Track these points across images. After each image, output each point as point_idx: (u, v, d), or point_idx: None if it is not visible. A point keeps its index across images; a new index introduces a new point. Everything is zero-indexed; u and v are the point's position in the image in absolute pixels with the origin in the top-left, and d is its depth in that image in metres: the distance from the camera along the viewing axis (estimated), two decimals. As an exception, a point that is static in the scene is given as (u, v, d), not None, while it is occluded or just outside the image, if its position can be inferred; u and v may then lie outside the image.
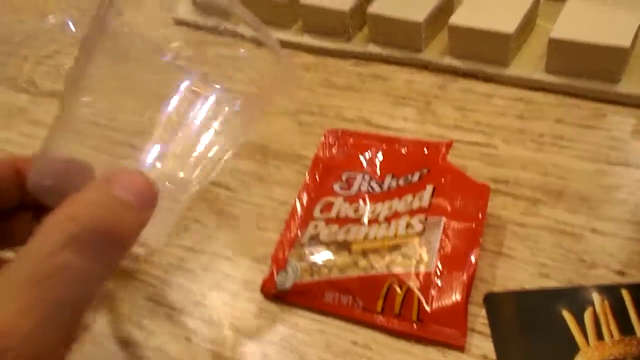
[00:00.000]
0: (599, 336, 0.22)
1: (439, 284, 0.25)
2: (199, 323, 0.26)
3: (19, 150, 0.38)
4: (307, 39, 0.42)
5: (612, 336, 0.22)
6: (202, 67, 0.29)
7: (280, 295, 0.27)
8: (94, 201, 0.18)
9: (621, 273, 0.25)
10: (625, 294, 0.24)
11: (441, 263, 0.25)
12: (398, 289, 0.25)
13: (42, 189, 0.21)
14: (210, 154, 0.25)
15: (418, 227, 0.27)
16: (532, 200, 0.28)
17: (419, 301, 0.24)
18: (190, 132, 0.24)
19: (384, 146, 0.32)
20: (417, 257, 0.26)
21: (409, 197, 0.28)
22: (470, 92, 0.36)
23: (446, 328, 0.24)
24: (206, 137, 0.25)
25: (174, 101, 0.24)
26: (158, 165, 0.23)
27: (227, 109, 0.26)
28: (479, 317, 0.24)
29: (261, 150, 0.35)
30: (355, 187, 0.30)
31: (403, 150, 0.31)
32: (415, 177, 0.29)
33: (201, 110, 0.24)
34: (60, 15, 0.43)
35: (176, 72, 0.25)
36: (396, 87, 0.37)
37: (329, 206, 0.29)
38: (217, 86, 0.26)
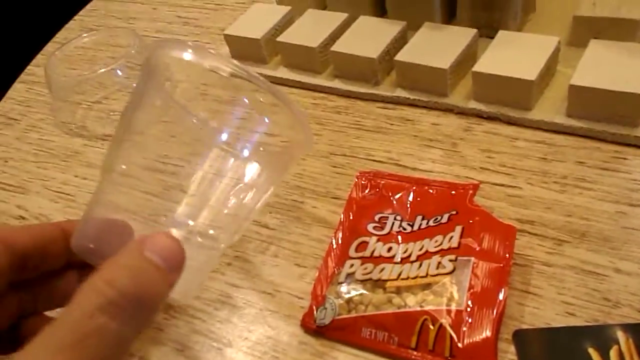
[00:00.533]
0: (624, 373, 0.24)
1: (470, 321, 0.26)
2: (244, 356, 0.28)
3: (76, 191, 0.41)
4: (339, 84, 0.44)
5: (636, 373, 0.24)
6: (229, 127, 0.31)
7: (320, 330, 0.28)
8: (127, 265, 0.20)
9: (644, 312, 0.26)
10: (648, 332, 0.25)
11: (471, 301, 0.27)
12: (431, 326, 0.27)
13: (85, 251, 0.24)
14: (238, 211, 0.27)
15: (449, 266, 0.28)
16: (557, 240, 0.30)
17: (451, 337, 0.26)
18: (220, 189, 0.27)
19: (414, 187, 0.34)
20: (448, 295, 0.27)
21: (439, 238, 0.30)
22: (495, 134, 0.38)
23: None
24: (234, 195, 0.27)
25: (206, 159, 0.27)
26: (190, 222, 0.26)
27: (251, 167, 0.28)
28: (508, 353, 0.26)
29: (298, 191, 0.37)
30: (387, 227, 0.32)
31: (432, 192, 0.33)
32: (445, 218, 0.31)
33: (230, 169, 0.27)
34: (107, 64, 0.46)
35: (208, 132, 0.27)
36: (423, 130, 0.39)
37: (363, 245, 0.31)
38: (245, 145, 0.28)
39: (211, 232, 0.27)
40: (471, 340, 0.26)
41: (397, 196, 0.34)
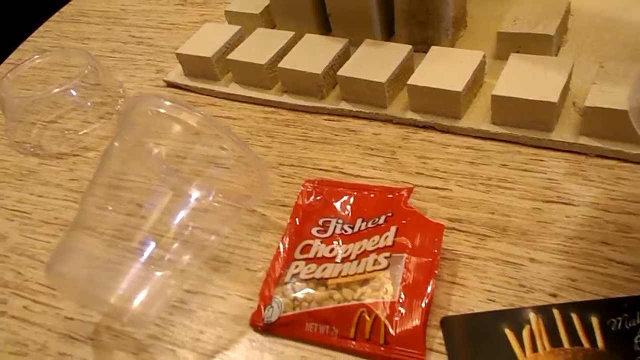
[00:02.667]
0: (534, 349, 0.27)
1: (402, 311, 0.29)
2: (197, 357, 0.30)
3: (32, 209, 0.42)
4: (287, 98, 0.47)
5: (544, 349, 0.27)
6: (190, 171, 0.35)
7: (267, 328, 0.31)
8: None
9: (554, 295, 0.29)
10: (556, 313, 0.28)
11: (403, 293, 0.30)
12: (367, 317, 0.29)
13: None
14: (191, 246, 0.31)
15: (384, 262, 0.31)
16: (481, 235, 0.33)
17: (385, 326, 0.29)
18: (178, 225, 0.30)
19: (355, 193, 0.37)
20: (383, 289, 0.30)
21: (376, 237, 0.33)
22: (430, 142, 0.41)
23: (408, 349, 0.28)
24: (187, 233, 0.31)
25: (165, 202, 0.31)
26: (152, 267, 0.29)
27: (208, 207, 0.32)
28: (436, 338, 0.29)
29: (246, 199, 0.39)
30: (330, 230, 0.35)
31: (371, 196, 0.36)
32: (382, 220, 0.34)
33: (186, 209, 0.31)
34: (61, 84, 0.48)
35: (170, 176, 0.31)
36: (365, 139, 0.42)
37: (308, 248, 0.34)
38: (201, 189, 0.31)
39: (168, 257, 0.30)
40: (403, 329, 0.29)
41: (339, 201, 0.37)
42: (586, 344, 0.27)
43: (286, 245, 0.35)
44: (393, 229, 0.33)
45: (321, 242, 0.34)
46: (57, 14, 0.69)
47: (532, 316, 0.28)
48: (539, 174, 0.36)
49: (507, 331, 0.28)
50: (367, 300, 0.30)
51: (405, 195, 0.35)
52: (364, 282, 0.31)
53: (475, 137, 0.40)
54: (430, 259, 0.31)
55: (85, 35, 0.63)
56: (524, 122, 0.38)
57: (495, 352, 0.27)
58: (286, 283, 0.32)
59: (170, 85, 0.53)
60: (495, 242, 0.33)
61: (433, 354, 0.28)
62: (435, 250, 0.32)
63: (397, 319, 0.29)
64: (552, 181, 0.36)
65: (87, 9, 0.69)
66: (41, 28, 0.67)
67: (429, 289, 0.30)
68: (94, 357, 0.32)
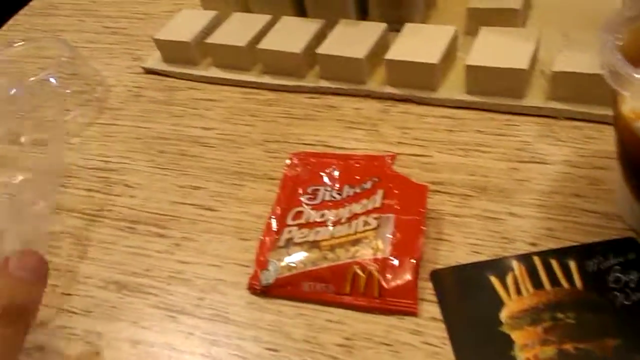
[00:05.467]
0: (518, 292, 0.29)
1: (394, 266, 0.30)
2: (198, 321, 0.31)
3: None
4: (268, 79, 0.48)
5: (528, 291, 0.29)
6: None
7: (265, 290, 0.32)
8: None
9: (533, 244, 0.31)
10: (536, 260, 0.30)
11: (394, 249, 0.31)
12: (361, 273, 0.30)
13: None
14: None
15: (373, 223, 0.32)
16: (463, 195, 0.35)
17: (379, 281, 0.30)
18: None
19: (341, 162, 0.38)
20: (374, 247, 0.31)
21: (365, 201, 0.34)
22: (408, 113, 0.42)
23: (401, 300, 0.29)
24: None
25: None
26: None
27: None
28: (427, 289, 0.30)
29: (237, 176, 0.40)
30: (319, 198, 0.36)
31: (357, 165, 0.37)
32: (368, 185, 0.35)
33: None
34: (39, 74, 0.47)
35: None
36: (346, 114, 0.44)
37: (299, 214, 0.35)
38: None
39: None
40: (396, 282, 0.30)
41: (326, 171, 0.38)
42: (566, 285, 0.28)
43: (278, 213, 0.36)
44: (380, 192, 0.34)
45: (312, 209, 0.35)
46: (26, 7, 0.68)
47: (514, 264, 0.30)
48: (513, 137, 0.38)
49: (493, 278, 0.30)
50: (360, 258, 0.31)
51: (389, 161, 0.37)
52: (356, 242, 0.32)
53: (452, 107, 0.42)
54: (417, 218, 0.32)
55: (57, 27, 0.62)
56: (497, 90, 0.40)
57: (483, 298, 0.29)
58: (281, 247, 0.33)
59: (149, 71, 0.52)
60: (477, 201, 0.34)
61: (425, 304, 0.30)
62: (422, 209, 0.33)
63: (389, 273, 0.30)
64: (525, 143, 0.37)
65: (57, 1, 0.67)
66: (10, 22, 0.65)
67: (418, 245, 0.31)
68: (92, 327, 0.32)
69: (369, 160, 0.37)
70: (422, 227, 0.32)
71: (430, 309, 0.29)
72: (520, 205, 0.34)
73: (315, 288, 0.31)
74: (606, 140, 0.36)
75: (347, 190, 0.36)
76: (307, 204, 0.35)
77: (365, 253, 0.31)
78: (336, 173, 0.37)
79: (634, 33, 0.27)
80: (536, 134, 0.38)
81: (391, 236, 0.32)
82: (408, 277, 0.30)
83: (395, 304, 0.30)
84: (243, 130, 0.44)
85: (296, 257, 0.32)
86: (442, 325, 0.28)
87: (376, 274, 0.30)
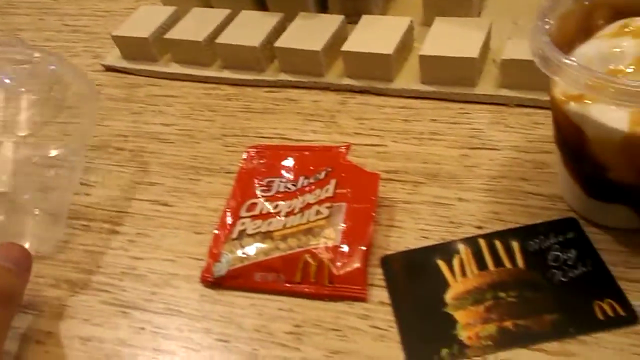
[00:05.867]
0: (464, 274, 0.30)
1: (344, 254, 0.31)
2: (150, 315, 0.32)
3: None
4: (227, 73, 0.49)
5: (472, 272, 0.30)
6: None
7: (218, 282, 0.32)
8: None
9: (479, 227, 0.32)
10: (481, 242, 0.31)
11: (345, 238, 0.32)
12: (312, 262, 0.31)
13: None
14: None
15: (325, 212, 0.34)
16: (415, 182, 0.36)
17: (329, 268, 0.31)
18: None
19: (296, 154, 0.39)
20: (326, 236, 0.32)
21: (318, 191, 0.35)
22: (366, 104, 0.43)
23: (351, 286, 0.31)
24: None
25: None
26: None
27: None
28: (377, 275, 0.31)
29: (193, 170, 0.41)
30: (274, 189, 0.37)
31: (312, 156, 0.38)
32: (322, 175, 0.36)
33: None
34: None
35: None
36: (305, 107, 0.45)
37: (253, 206, 0.36)
38: None
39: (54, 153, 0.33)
40: (346, 269, 0.31)
41: (282, 163, 0.38)
42: (508, 265, 0.30)
43: (233, 206, 0.36)
44: (333, 182, 0.35)
45: (266, 201, 0.36)
46: (-17, 6, 0.68)
47: (461, 247, 0.31)
48: (465, 125, 0.39)
49: (440, 262, 0.31)
50: (311, 247, 0.32)
51: (344, 151, 0.38)
52: (308, 231, 0.33)
53: (408, 97, 0.43)
54: (368, 205, 0.34)
55: (15, 26, 0.62)
56: (450, 80, 0.41)
57: (429, 281, 0.30)
58: (234, 239, 0.34)
59: (109, 69, 0.53)
60: (428, 188, 0.36)
61: (375, 289, 0.31)
62: (373, 197, 0.34)
63: (340, 261, 0.31)
64: (477, 130, 0.39)
65: (17, 0, 0.67)
66: (-33, 21, 0.65)
67: (368, 232, 0.32)
68: (42, 326, 0.32)
69: (324, 151, 0.38)
70: (373, 215, 0.33)
71: (380, 293, 0.30)
72: (469, 190, 0.35)
73: (266, 278, 0.32)
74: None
75: (302, 181, 0.37)
76: (261, 196, 0.36)
77: (316, 242, 0.32)
78: (291, 165, 0.38)
79: (563, 19, 0.28)
80: (488, 122, 0.39)
81: (342, 224, 0.33)
82: (357, 264, 0.31)
83: (344, 290, 0.31)
84: (202, 125, 0.45)
85: (249, 249, 0.33)
86: (390, 309, 0.29)
87: (327, 261, 0.31)
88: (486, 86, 0.41)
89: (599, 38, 0.27)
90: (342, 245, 0.32)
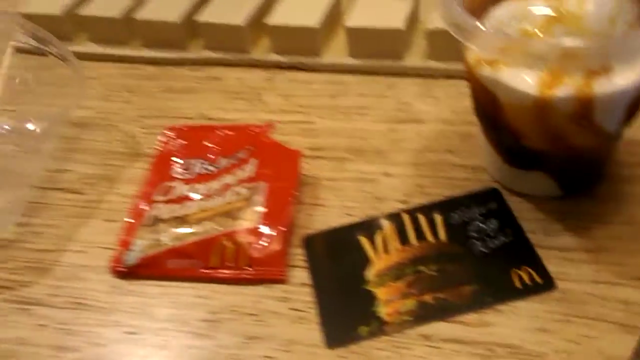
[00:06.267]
0: (385, 250, 0.29)
1: (263, 236, 0.30)
2: (54, 311, 0.30)
3: None
4: (147, 52, 0.46)
5: (395, 249, 0.29)
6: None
7: (129, 271, 0.31)
8: None
9: (404, 202, 0.32)
10: (405, 217, 0.31)
11: (264, 218, 0.31)
12: (230, 245, 0.30)
13: None
14: None
15: (245, 193, 0.32)
16: (341, 159, 0.35)
17: (248, 251, 0.30)
18: None
19: (217, 134, 0.37)
20: (244, 217, 0.31)
21: (238, 171, 0.34)
22: (293, 81, 0.42)
23: (270, 268, 0.30)
24: None
25: None
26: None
27: None
28: (299, 255, 0.31)
29: (106, 155, 0.39)
30: (193, 171, 0.35)
31: (233, 135, 0.37)
32: (244, 154, 0.35)
33: None
34: None
35: None
36: (230, 85, 0.43)
37: (169, 190, 0.34)
38: None
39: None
40: (265, 252, 0.30)
41: (202, 143, 0.37)
42: (430, 238, 0.29)
43: (147, 191, 0.35)
44: (254, 161, 0.34)
45: (184, 184, 0.34)
46: None
47: (384, 223, 0.31)
48: (392, 98, 0.39)
49: (362, 239, 0.30)
50: (229, 229, 0.31)
51: (266, 129, 0.36)
52: (226, 213, 0.32)
53: (336, 71, 0.42)
54: (289, 184, 0.33)
55: None
56: (378, 52, 0.41)
57: (351, 259, 0.29)
58: (147, 226, 0.32)
59: (19, 50, 0.49)
60: (353, 164, 0.35)
61: (296, 270, 0.30)
62: (294, 175, 0.33)
63: (259, 243, 0.30)
64: (404, 104, 0.38)
65: None
66: None
67: (288, 212, 0.31)
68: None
69: (245, 130, 0.37)
70: (294, 194, 0.32)
71: (301, 274, 0.30)
72: (394, 165, 0.34)
73: (181, 265, 0.30)
74: (478, 95, 0.37)
75: (222, 162, 0.35)
76: (179, 179, 0.35)
77: (235, 224, 0.31)
78: (211, 145, 0.37)
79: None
80: (415, 94, 0.39)
81: (262, 205, 0.32)
82: (277, 245, 0.30)
83: (263, 273, 0.30)
84: (118, 107, 0.43)
85: (162, 235, 0.31)
86: (311, 290, 0.29)
87: (245, 244, 0.30)
88: (414, 58, 0.40)
89: (510, 0, 0.27)
90: (261, 227, 0.31)
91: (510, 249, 0.28)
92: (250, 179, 0.33)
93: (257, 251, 0.30)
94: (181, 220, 0.32)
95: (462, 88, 0.38)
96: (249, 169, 0.34)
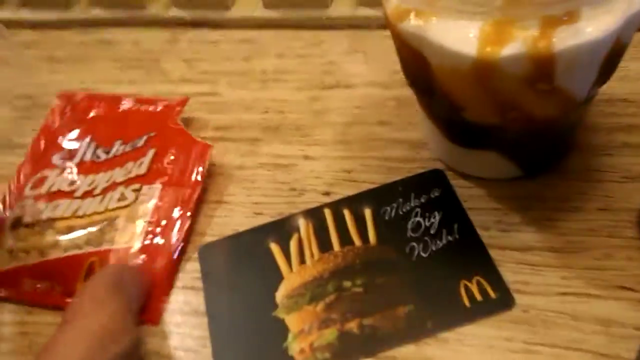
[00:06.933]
0: (302, 260, 0.23)
1: (143, 260, 0.23)
2: None
3: None
4: (26, 13, 0.37)
5: (312, 257, 0.23)
6: None
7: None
8: None
9: (327, 194, 0.25)
10: (327, 212, 0.24)
11: (146, 239, 0.24)
12: (99, 268, 0.23)
13: None
14: None
15: (130, 197, 0.25)
16: (252, 140, 0.28)
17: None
18: None
19: (113, 108, 0.29)
20: (124, 232, 0.24)
21: (130, 165, 0.26)
22: (199, 42, 0.34)
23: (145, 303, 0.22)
24: None
25: None
26: None
27: None
28: (193, 273, 0.24)
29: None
30: (78, 157, 0.27)
31: (136, 112, 0.29)
32: (142, 142, 0.27)
33: None
34: None
35: None
36: (123, 50, 0.35)
37: (41, 181, 0.26)
38: None
39: None
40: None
41: (95, 119, 0.29)
42: (357, 242, 0.23)
43: (20, 181, 0.27)
44: (150, 153, 0.26)
45: (61, 173, 0.26)
46: None
47: (301, 222, 0.24)
48: (318, 58, 0.31)
49: (273, 245, 0.23)
50: (103, 247, 0.23)
51: (178, 109, 0.28)
52: (103, 223, 0.24)
53: (249, 27, 0.34)
54: (190, 190, 0.25)
55: None
56: (299, 1, 0.33)
57: (259, 274, 0.23)
58: (6, 230, 0.25)
59: None
60: (267, 146, 0.28)
61: (187, 293, 0.23)
62: (198, 178, 0.25)
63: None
64: (331, 64, 0.31)
65: None
66: None
67: (181, 235, 0.24)
68: None
69: (152, 105, 0.29)
70: (192, 206, 0.25)
71: (193, 300, 0.23)
72: (316, 144, 0.27)
73: (38, 287, 0.23)
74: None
75: (117, 147, 0.27)
76: (58, 166, 0.27)
77: (110, 239, 0.24)
78: (107, 122, 0.28)
79: None
80: (344, 52, 0.31)
81: (150, 216, 0.24)
82: (160, 271, 0.23)
83: None
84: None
85: (20, 243, 0.24)
86: (206, 321, 0.22)
87: None
88: (342, 6, 0.33)
89: None
90: (140, 248, 0.23)
91: (456, 251, 0.21)
92: (140, 178, 0.25)
93: None
94: (46, 226, 0.24)
95: (400, 41, 0.31)
96: (142, 163, 0.26)
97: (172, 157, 0.26)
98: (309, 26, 0.33)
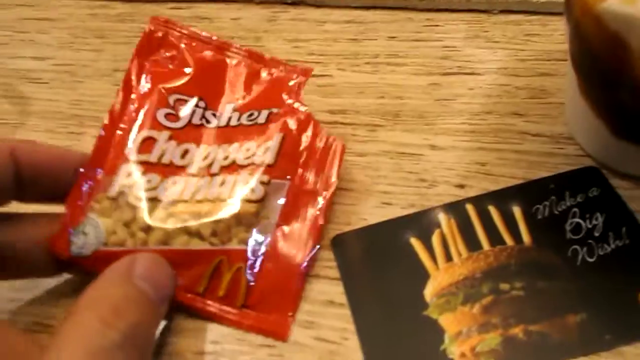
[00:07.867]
0: (448, 258, 0.20)
1: (272, 266, 0.20)
2: None
3: None
4: (119, -14, 0.34)
5: (460, 255, 0.20)
6: None
7: (77, 262, 0.20)
8: (121, 298, 0.17)
9: (461, 186, 0.22)
10: (469, 208, 0.21)
11: (279, 239, 0.21)
12: (226, 269, 0.20)
13: None
14: None
15: (259, 191, 0.21)
16: (370, 126, 0.25)
17: (248, 283, 0.20)
18: None
19: (230, 61, 0.23)
20: (253, 230, 0.20)
21: (252, 145, 0.22)
22: (302, 20, 0.31)
23: (269, 315, 0.20)
24: None
25: None
26: None
27: None
28: (325, 261, 0.21)
29: (76, 120, 0.28)
30: (185, 117, 0.22)
31: (253, 72, 0.23)
32: (262, 117, 0.22)
33: None
34: None
35: None
36: (222, 27, 0.32)
37: (150, 144, 0.21)
38: None
39: None
40: (271, 288, 0.20)
41: (203, 70, 0.23)
42: (510, 242, 0.20)
43: (116, 135, 0.22)
44: (278, 137, 0.22)
45: (171, 138, 0.22)
46: None
47: (441, 217, 0.21)
48: (434, 42, 0.28)
49: (414, 240, 0.21)
50: (230, 246, 0.20)
51: (303, 79, 0.23)
52: (234, 216, 0.20)
53: (356, 7, 0.31)
54: (324, 192, 0.22)
55: None
56: (410, -18, 0.29)
57: (401, 270, 0.20)
58: (111, 198, 0.21)
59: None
60: (388, 132, 0.25)
61: (320, 281, 0.20)
62: (333, 180, 0.22)
63: (264, 273, 0.20)
64: (450, 49, 0.28)
65: None
66: None
67: (313, 239, 0.21)
68: None
69: (276, 67, 0.23)
70: (326, 213, 0.21)
71: (328, 289, 0.20)
72: (443, 133, 0.24)
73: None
74: (553, 37, 0.27)
75: (230, 113, 0.22)
76: (165, 127, 0.22)
77: (239, 237, 0.20)
78: (219, 77, 0.23)
79: None
80: (463, 36, 0.28)
81: (279, 215, 0.21)
82: (290, 279, 0.20)
83: (256, 320, 0.20)
84: (87, 57, 0.31)
85: (134, 220, 0.20)
86: (347, 313, 0.19)
87: (246, 273, 0.20)
88: (458, -11, 0.29)
89: None
90: (273, 250, 0.20)
91: (629, 257, 0.19)
92: (269, 169, 0.21)
93: (260, 287, 0.20)
94: (164, 207, 0.20)
95: (528, 26, 0.28)
96: (268, 149, 0.21)
97: (305, 153, 0.22)
98: (421, 7, 0.30)
